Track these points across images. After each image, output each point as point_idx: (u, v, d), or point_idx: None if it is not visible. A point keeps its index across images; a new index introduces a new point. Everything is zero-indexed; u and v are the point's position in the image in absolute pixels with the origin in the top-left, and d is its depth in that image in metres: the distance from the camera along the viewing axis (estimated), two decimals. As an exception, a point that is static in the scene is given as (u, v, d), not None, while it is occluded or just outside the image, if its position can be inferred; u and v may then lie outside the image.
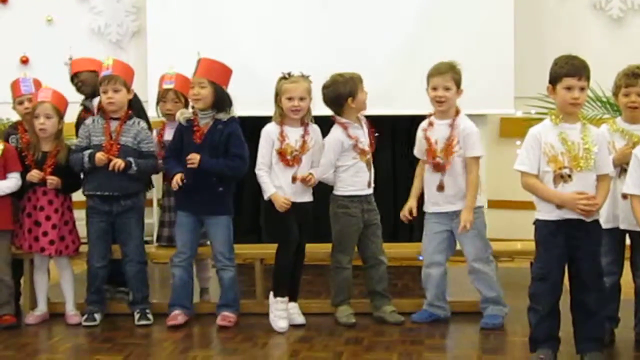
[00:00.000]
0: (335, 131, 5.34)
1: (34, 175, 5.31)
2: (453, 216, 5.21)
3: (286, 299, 5.27)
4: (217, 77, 5.30)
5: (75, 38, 7.98)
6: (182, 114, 5.37)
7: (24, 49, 8.09)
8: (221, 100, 5.31)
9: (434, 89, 5.18)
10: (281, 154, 5.24)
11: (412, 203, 5.32)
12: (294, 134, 5.28)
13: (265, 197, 5.27)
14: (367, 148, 5.34)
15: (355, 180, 5.34)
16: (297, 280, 5.42)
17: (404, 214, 5.34)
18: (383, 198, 5.45)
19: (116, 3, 8.09)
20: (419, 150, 5.33)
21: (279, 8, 7.23)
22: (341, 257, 5.36)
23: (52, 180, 5.33)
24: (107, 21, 8.10)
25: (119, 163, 5.25)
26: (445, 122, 5.20)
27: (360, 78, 5.33)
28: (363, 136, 5.35)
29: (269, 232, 5.51)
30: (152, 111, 6.14)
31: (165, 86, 5.73)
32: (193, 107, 5.39)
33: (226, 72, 5.36)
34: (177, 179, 5.24)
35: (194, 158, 5.20)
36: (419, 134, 5.30)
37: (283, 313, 5.23)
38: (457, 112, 5.23)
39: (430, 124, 5.25)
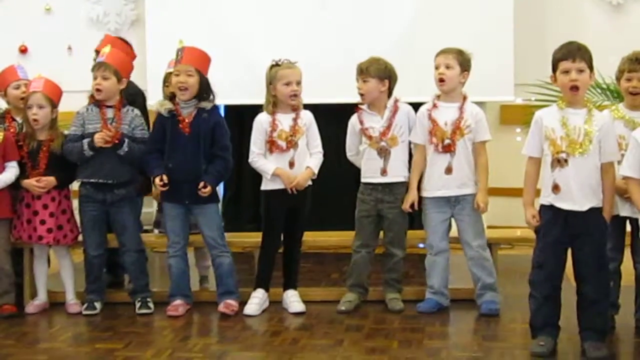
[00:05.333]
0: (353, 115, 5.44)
1: (33, 185, 5.30)
2: (455, 202, 5.22)
3: (260, 290, 5.34)
4: (202, 65, 5.30)
5: (74, 27, 8.01)
6: (162, 105, 5.33)
7: (23, 39, 8.07)
8: (205, 89, 5.31)
9: (436, 67, 5.20)
10: (272, 142, 5.28)
11: (414, 195, 5.28)
12: (286, 120, 5.31)
13: (268, 176, 5.29)
14: (376, 134, 5.32)
15: (366, 167, 5.37)
16: (294, 267, 5.44)
17: (406, 207, 5.30)
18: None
19: (115, -8, 8.08)
20: (418, 134, 5.30)
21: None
22: (355, 240, 5.42)
23: (47, 182, 5.31)
24: (105, 10, 8.07)
25: (114, 138, 5.25)
26: (453, 105, 5.21)
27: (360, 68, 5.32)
28: (377, 122, 5.33)
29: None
30: (153, 99, 6.14)
31: (168, 70, 5.71)
32: (174, 97, 5.32)
33: (207, 59, 5.35)
34: (158, 182, 5.23)
35: (206, 191, 5.20)
36: (421, 116, 5.27)
37: (253, 300, 5.30)
38: (465, 98, 5.25)
39: (435, 105, 5.24)
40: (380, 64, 5.33)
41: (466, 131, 5.18)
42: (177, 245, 5.38)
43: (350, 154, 5.50)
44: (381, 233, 5.43)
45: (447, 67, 5.17)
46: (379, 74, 5.30)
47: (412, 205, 5.30)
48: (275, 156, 5.31)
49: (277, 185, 5.31)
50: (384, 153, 5.33)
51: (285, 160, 5.30)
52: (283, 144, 5.29)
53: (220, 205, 5.49)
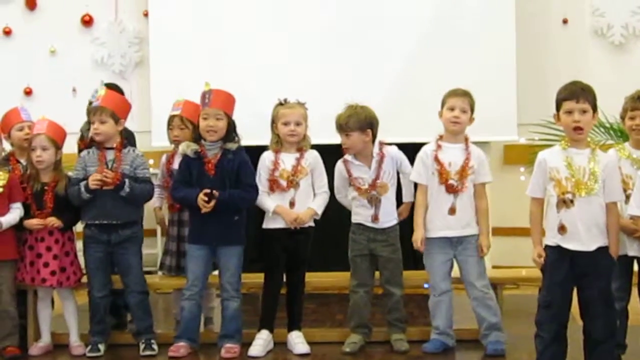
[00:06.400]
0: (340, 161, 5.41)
1: (35, 225, 5.30)
2: (457, 243, 5.20)
3: (264, 331, 5.29)
4: (229, 107, 5.32)
5: (79, 69, 8.05)
6: (189, 146, 5.33)
7: (28, 80, 8.12)
8: (232, 131, 5.33)
9: (451, 109, 5.19)
10: (272, 181, 5.30)
11: (422, 233, 5.22)
12: (289, 160, 5.32)
13: (269, 214, 5.30)
14: (365, 186, 5.30)
15: (357, 211, 5.36)
16: (298, 308, 5.41)
17: (419, 246, 5.23)
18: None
19: (119, 34, 8.13)
20: (420, 174, 5.26)
21: (280, 38, 7.30)
22: (351, 281, 5.38)
23: (54, 223, 5.31)
24: (110, 52, 8.13)
25: (114, 179, 5.24)
26: (456, 145, 5.21)
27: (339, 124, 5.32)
28: (365, 173, 5.32)
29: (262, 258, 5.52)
30: (157, 140, 6.15)
31: (172, 113, 5.74)
32: (200, 139, 5.34)
33: (234, 101, 5.37)
34: (202, 196, 5.15)
35: (209, 193, 5.15)
36: (425, 156, 5.25)
37: (257, 341, 5.26)
38: (467, 139, 5.25)
39: (439, 146, 5.24)
40: (359, 114, 5.28)
41: (470, 172, 5.18)
42: (194, 289, 5.32)
43: (339, 195, 5.47)
44: (377, 273, 5.40)
45: (463, 111, 5.18)
46: (360, 125, 5.26)
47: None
48: (276, 195, 5.32)
49: (278, 224, 5.31)
50: (374, 202, 5.31)
51: (286, 199, 5.31)
52: (284, 183, 5.30)
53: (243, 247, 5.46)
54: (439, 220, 5.20)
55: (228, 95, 5.34)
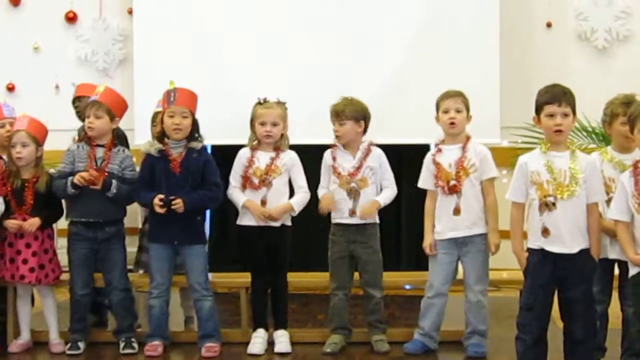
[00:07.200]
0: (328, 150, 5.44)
1: (12, 226, 5.28)
2: (462, 243, 5.19)
3: (260, 330, 5.30)
4: (194, 106, 5.33)
5: (62, 66, 7.99)
6: (152, 145, 5.33)
7: (10, 77, 8.06)
8: (196, 130, 5.32)
9: (446, 111, 5.20)
10: (246, 178, 5.31)
11: (429, 239, 5.24)
12: (264, 158, 5.33)
13: (239, 207, 5.32)
14: (345, 174, 5.32)
15: (337, 207, 5.35)
16: (281, 308, 5.41)
17: (430, 252, 5.26)
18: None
19: (103, 31, 8.08)
20: (426, 180, 5.29)
21: (266, 36, 7.27)
22: (330, 283, 5.39)
23: (32, 226, 5.27)
24: (94, 49, 8.08)
25: (97, 179, 5.22)
26: (456, 146, 5.22)
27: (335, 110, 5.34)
28: (348, 162, 5.34)
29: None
30: (140, 138, 6.12)
31: (156, 109, 5.73)
32: (163, 138, 5.31)
33: (197, 99, 5.36)
34: (157, 201, 5.16)
35: (177, 203, 5.15)
36: (427, 162, 5.28)
37: (255, 339, 5.27)
38: (468, 138, 5.26)
39: (439, 150, 5.26)
40: (355, 104, 5.35)
41: (471, 170, 5.17)
42: (162, 287, 5.33)
43: (323, 190, 5.42)
44: (356, 274, 5.40)
45: (458, 111, 5.20)
46: (355, 115, 5.32)
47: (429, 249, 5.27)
48: (248, 193, 5.33)
49: (251, 222, 5.31)
50: (353, 194, 5.31)
51: (257, 198, 5.32)
52: (256, 181, 5.30)
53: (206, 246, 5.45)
54: (446, 222, 5.20)
55: (192, 94, 5.34)
